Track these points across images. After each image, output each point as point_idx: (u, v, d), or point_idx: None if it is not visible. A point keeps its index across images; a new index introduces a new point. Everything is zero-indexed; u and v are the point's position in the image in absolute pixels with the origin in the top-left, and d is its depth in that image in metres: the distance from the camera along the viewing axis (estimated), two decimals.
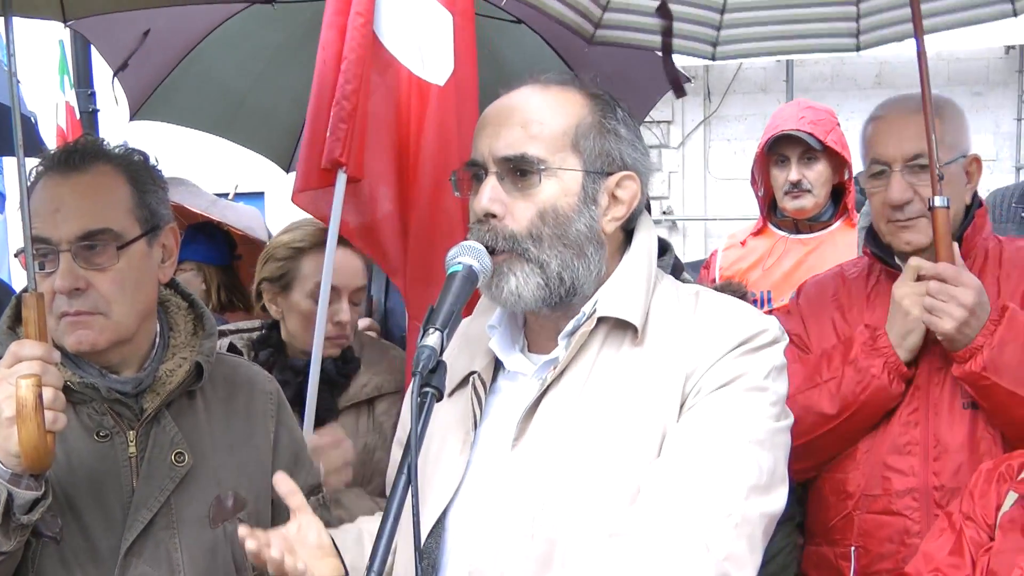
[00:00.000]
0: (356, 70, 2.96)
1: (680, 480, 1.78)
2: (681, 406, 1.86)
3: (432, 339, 1.73)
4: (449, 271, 1.86)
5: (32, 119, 4.98)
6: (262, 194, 11.79)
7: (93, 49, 6.42)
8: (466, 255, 1.86)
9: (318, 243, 3.15)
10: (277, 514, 2.35)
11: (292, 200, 3.13)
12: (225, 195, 6.45)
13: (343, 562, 1.96)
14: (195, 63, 3.97)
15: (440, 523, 1.92)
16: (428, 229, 3.09)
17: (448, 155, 3.05)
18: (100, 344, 2.14)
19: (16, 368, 1.89)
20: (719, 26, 3.58)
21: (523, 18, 3.92)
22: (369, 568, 1.61)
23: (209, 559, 2.20)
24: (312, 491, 2.43)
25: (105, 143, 2.24)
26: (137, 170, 2.22)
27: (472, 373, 2.02)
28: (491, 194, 1.91)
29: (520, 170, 1.90)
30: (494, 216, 1.91)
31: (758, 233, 4.45)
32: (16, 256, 2.15)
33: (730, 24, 3.57)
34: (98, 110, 6.06)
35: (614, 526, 1.78)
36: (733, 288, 3.52)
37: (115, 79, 3.96)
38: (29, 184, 2.16)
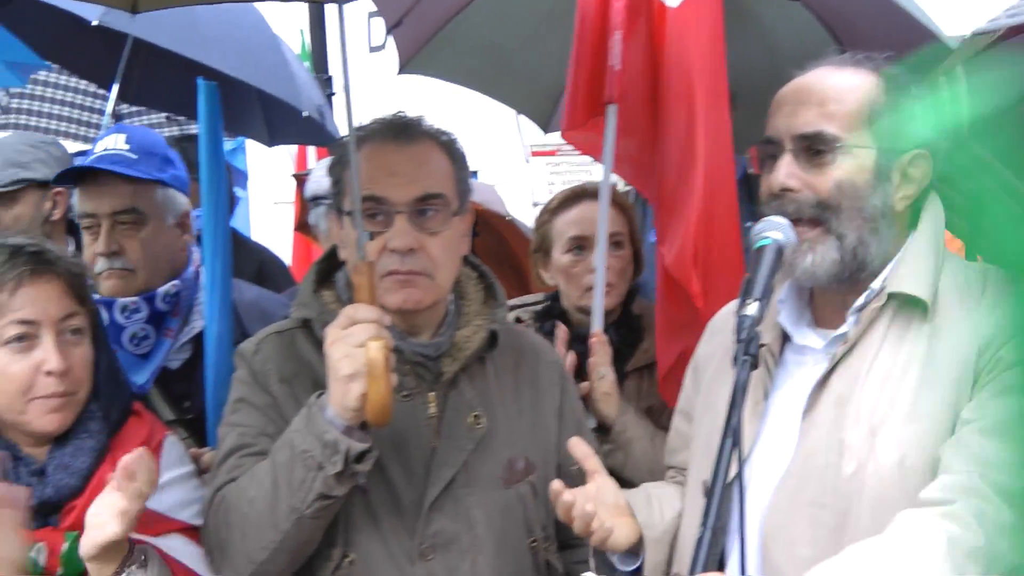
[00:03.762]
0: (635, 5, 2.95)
1: (981, 460, 1.80)
2: (974, 383, 1.88)
3: (752, 309, 1.81)
4: (757, 245, 1.93)
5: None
6: (475, 173, 12.07)
7: (328, 36, 6.68)
8: (773, 230, 1.94)
9: (567, 199, 3.31)
10: (561, 479, 2.42)
11: (562, 137, 3.19)
12: None
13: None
14: (466, 21, 4.04)
15: (730, 488, 1.97)
16: (675, 155, 3.05)
17: (687, 82, 2.96)
18: (424, 303, 2.25)
19: (352, 330, 2.01)
20: None
21: None
22: (700, 540, 1.69)
23: (502, 519, 2.29)
24: None
25: (423, 119, 2.34)
26: (454, 148, 2.34)
27: (762, 345, 2.05)
28: (787, 169, 1.99)
29: (816, 148, 1.98)
30: (790, 190, 1.99)
31: None
32: (347, 213, 2.23)
33: None
34: (333, 94, 6.31)
35: (910, 502, 1.81)
36: None
37: (389, 34, 4.12)
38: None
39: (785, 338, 2.09)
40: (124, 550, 2.07)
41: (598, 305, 3.01)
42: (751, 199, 3.77)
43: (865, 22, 3.40)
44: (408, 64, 4.25)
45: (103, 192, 2.85)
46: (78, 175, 2.91)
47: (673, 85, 3.00)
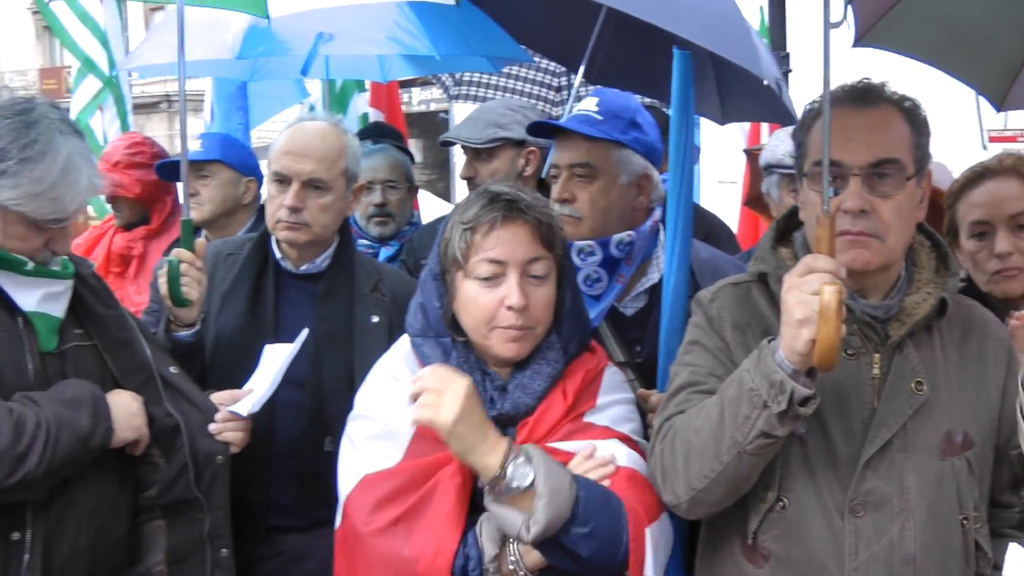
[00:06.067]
0: None
1: None
2: None
3: None
4: None
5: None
6: None
7: (788, 13, 6.63)
8: None
9: (969, 180, 3.19)
10: (999, 461, 2.41)
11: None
12: None
13: None
14: None
15: None
16: None
17: None
18: (872, 265, 2.31)
19: (808, 278, 2.10)
20: None
21: None
22: None
23: (934, 488, 2.30)
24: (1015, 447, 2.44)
25: (886, 85, 2.39)
26: (916, 114, 2.38)
27: None
28: None
29: None
30: None
31: None
32: (805, 175, 2.37)
33: None
34: (790, 71, 6.28)
35: None
36: None
37: (848, 6, 4.12)
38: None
39: None
40: (501, 449, 2.27)
41: None
42: None
43: None
44: (864, 36, 4.20)
45: (566, 146, 3.19)
46: (554, 130, 3.27)
47: None
